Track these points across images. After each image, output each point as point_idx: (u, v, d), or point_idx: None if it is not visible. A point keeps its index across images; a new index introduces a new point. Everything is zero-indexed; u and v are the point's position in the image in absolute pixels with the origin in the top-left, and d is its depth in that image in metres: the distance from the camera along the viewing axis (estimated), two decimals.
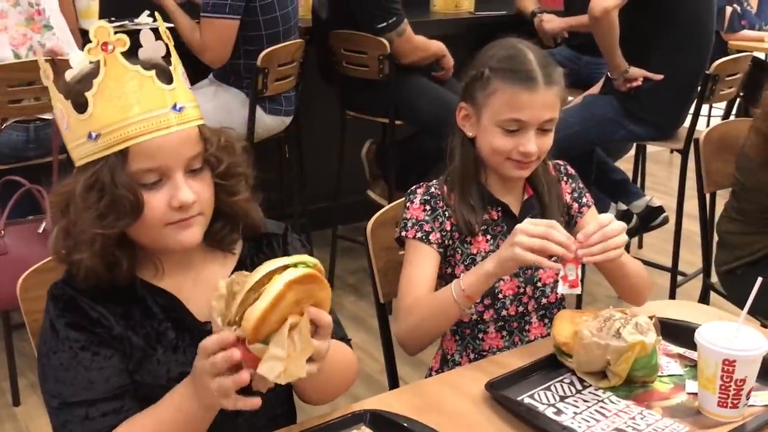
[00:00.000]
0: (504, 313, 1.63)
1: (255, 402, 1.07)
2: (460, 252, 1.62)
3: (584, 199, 1.72)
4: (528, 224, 1.40)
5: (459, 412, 1.31)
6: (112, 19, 3.31)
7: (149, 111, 1.12)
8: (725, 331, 1.26)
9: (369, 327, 2.14)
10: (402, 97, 3.25)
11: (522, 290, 1.63)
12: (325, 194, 3.58)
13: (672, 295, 3.15)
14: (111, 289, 1.20)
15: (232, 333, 1.04)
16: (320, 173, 3.64)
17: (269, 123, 3.16)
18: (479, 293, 1.49)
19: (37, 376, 1.39)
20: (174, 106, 1.14)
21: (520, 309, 1.64)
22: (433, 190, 1.63)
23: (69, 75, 1.17)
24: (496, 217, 1.64)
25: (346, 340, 1.38)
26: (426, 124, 3.27)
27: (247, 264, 1.29)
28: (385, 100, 3.25)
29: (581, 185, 1.74)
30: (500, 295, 1.62)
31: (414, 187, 1.65)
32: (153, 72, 1.13)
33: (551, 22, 3.69)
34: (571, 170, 1.75)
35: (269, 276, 1.04)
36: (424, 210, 1.60)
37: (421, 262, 1.59)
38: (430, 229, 1.59)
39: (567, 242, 1.39)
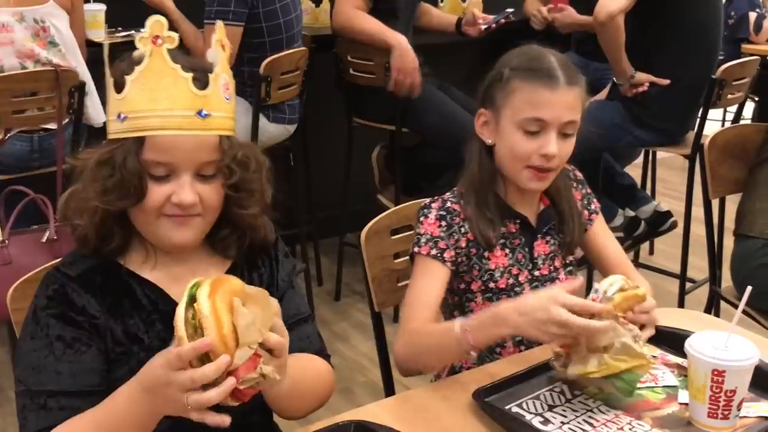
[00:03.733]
0: None
1: (225, 419, 1.05)
2: (477, 268, 1.57)
3: (593, 206, 1.69)
4: (559, 312, 1.28)
5: (447, 421, 1.30)
6: (119, 29, 3.32)
7: (175, 109, 1.16)
8: (716, 341, 1.24)
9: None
10: (408, 106, 3.23)
11: None
12: (332, 202, 3.58)
13: (681, 302, 3.11)
14: (103, 280, 1.23)
15: (204, 341, 1.03)
16: (327, 181, 3.64)
17: (273, 131, 3.16)
18: (486, 346, 1.43)
19: None
20: (199, 112, 1.17)
21: None
22: (449, 204, 1.57)
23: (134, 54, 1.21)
24: (514, 230, 1.59)
25: (324, 355, 1.37)
26: (430, 135, 3.25)
27: (239, 267, 1.32)
28: (391, 107, 3.23)
29: (589, 190, 1.71)
30: None
31: (428, 201, 1.59)
32: (191, 75, 1.17)
33: (566, 18, 3.61)
34: (580, 175, 1.70)
35: (193, 317, 1.04)
36: (440, 226, 1.54)
37: (430, 281, 1.53)
38: (444, 246, 1.53)
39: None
